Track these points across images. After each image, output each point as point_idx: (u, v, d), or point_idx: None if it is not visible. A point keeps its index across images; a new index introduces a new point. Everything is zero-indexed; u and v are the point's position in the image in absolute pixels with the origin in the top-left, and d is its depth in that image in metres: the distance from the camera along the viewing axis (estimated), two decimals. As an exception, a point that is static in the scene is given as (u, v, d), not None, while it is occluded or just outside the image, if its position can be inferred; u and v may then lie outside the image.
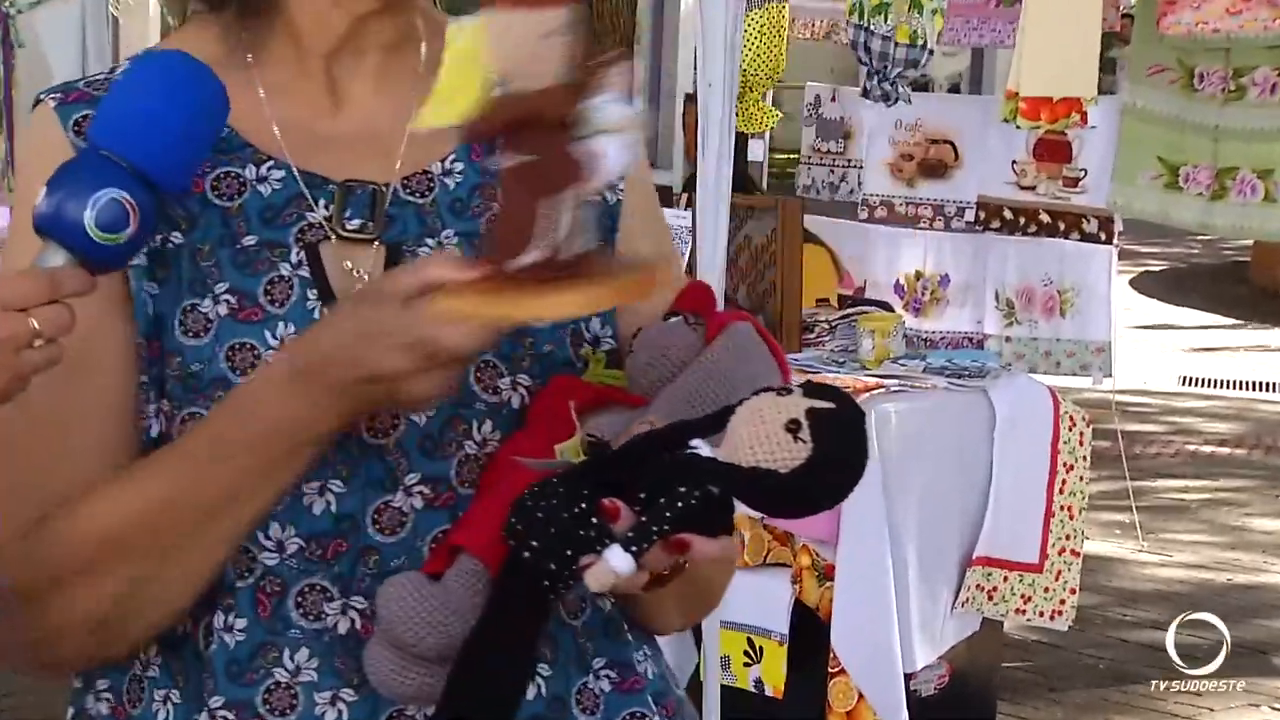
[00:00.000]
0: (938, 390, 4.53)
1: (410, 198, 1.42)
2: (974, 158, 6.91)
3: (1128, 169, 5.80)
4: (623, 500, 1.21)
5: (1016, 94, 5.19)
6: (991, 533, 4.48)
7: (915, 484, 4.32)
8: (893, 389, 4.44)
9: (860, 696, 4.23)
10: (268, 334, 1.36)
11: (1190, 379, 11.12)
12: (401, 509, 1.36)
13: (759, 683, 4.35)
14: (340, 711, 1.35)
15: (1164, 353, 11.77)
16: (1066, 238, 6.59)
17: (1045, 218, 6.62)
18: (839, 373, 4.55)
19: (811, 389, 1.26)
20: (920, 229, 7.10)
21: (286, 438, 1.31)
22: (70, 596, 1.35)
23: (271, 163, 1.41)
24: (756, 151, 7.87)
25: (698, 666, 4.10)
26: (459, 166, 1.44)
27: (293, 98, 1.44)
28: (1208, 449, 9.27)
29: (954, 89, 12.99)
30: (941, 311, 7.06)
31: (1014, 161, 6.65)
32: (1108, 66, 6.08)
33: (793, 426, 1.21)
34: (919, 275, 7.09)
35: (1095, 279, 6.57)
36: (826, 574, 4.27)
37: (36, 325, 1.23)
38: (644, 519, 1.20)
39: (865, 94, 5.69)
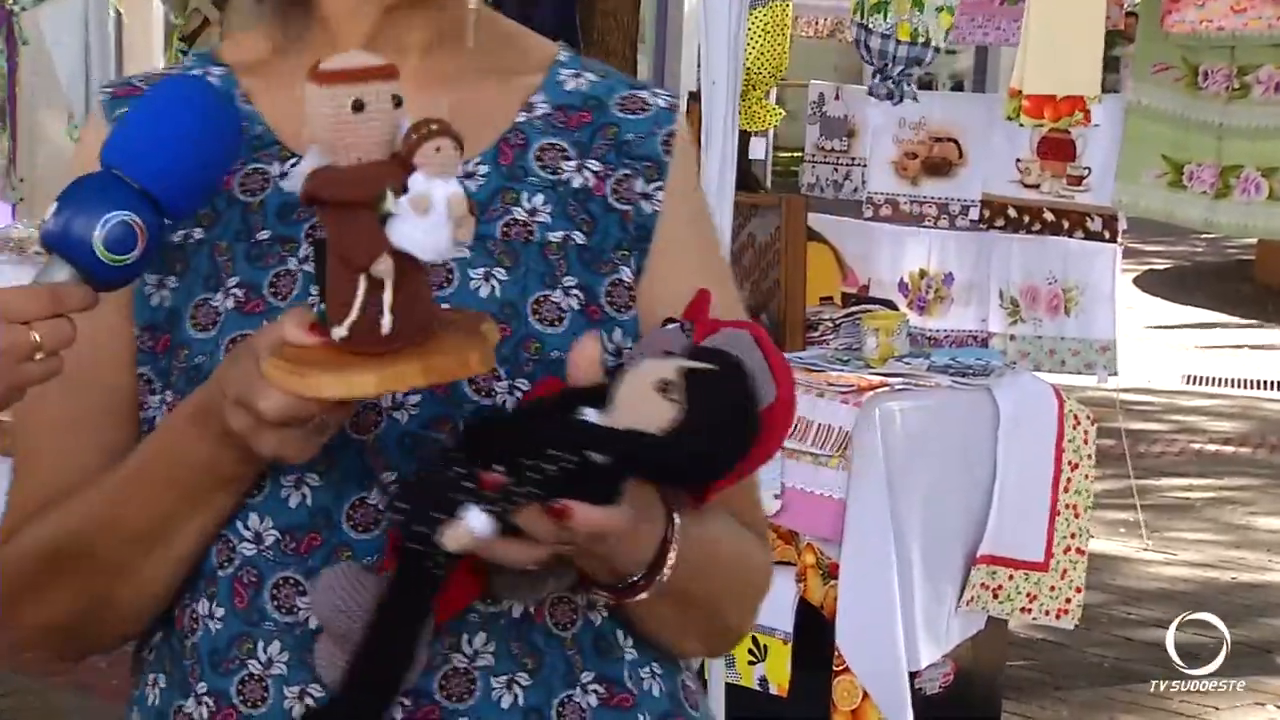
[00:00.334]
0: (942, 389, 4.52)
1: None
2: (978, 156, 6.90)
3: (1132, 167, 5.80)
4: (507, 468, 1.20)
5: (1020, 92, 5.18)
6: (996, 531, 4.48)
7: (919, 482, 4.32)
8: (897, 387, 4.43)
9: (865, 695, 4.23)
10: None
11: (1195, 377, 11.11)
12: (377, 506, 1.35)
13: (764, 681, 4.34)
14: (307, 706, 1.34)
15: (1168, 351, 11.76)
16: (1071, 236, 6.58)
17: (1049, 216, 6.61)
18: (843, 371, 4.54)
19: (699, 352, 1.24)
20: (924, 227, 7.10)
21: (202, 472, 1.32)
22: (31, 604, 1.40)
23: (296, 159, 1.41)
24: (759, 150, 7.87)
25: (703, 664, 4.10)
26: (483, 169, 1.42)
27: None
28: (1212, 448, 9.26)
29: (957, 87, 12.99)
30: (946, 310, 7.05)
31: (1018, 160, 6.65)
32: (1111, 65, 6.08)
33: (663, 386, 1.20)
34: (923, 273, 7.09)
35: (1099, 277, 6.56)
36: (831, 572, 4.26)
37: (38, 338, 1.25)
38: (508, 482, 1.18)
39: (871, 92, 5.67)
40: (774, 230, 4.87)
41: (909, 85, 5.49)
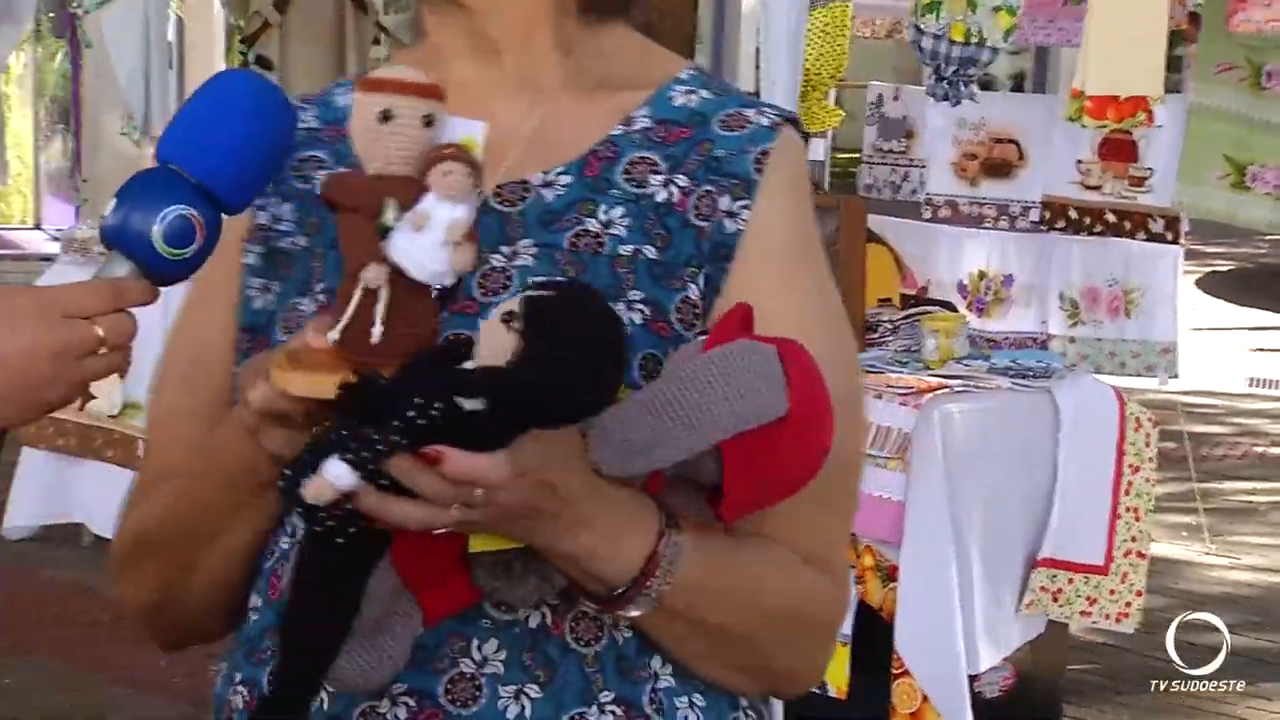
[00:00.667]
0: (1002, 391, 4.50)
1: (499, 206, 1.40)
2: (1039, 157, 6.87)
3: (1194, 168, 5.76)
4: (374, 422, 1.18)
5: (1082, 93, 5.15)
6: (1056, 534, 4.45)
7: (979, 484, 4.30)
8: (957, 389, 4.42)
9: (924, 698, 4.21)
10: None
11: (1258, 380, 11.03)
12: None
13: (823, 683, 4.33)
14: (322, 700, 1.35)
15: (1230, 353, 11.66)
16: (1132, 238, 6.55)
17: (1111, 217, 6.58)
18: (902, 372, 4.52)
19: (549, 284, 1.23)
20: (984, 228, 7.07)
21: (246, 472, 1.34)
22: (123, 581, 1.48)
23: None
24: (818, 151, 7.86)
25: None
26: (565, 179, 1.41)
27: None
28: (1275, 450, 9.18)
29: (1017, 87, 12.93)
30: (1005, 311, 7.02)
31: (1079, 161, 6.61)
32: (1174, 65, 6.04)
33: (507, 318, 1.18)
34: (982, 275, 7.06)
35: (1161, 279, 6.52)
36: (890, 574, 4.25)
37: (100, 333, 1.27)
38: (371, 432, 1.17)
39: (929, 93, 5.65)
40: (833, 232, 4.85)
41: (965, 86, 5.47)
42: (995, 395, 4.48)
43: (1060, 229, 6.76)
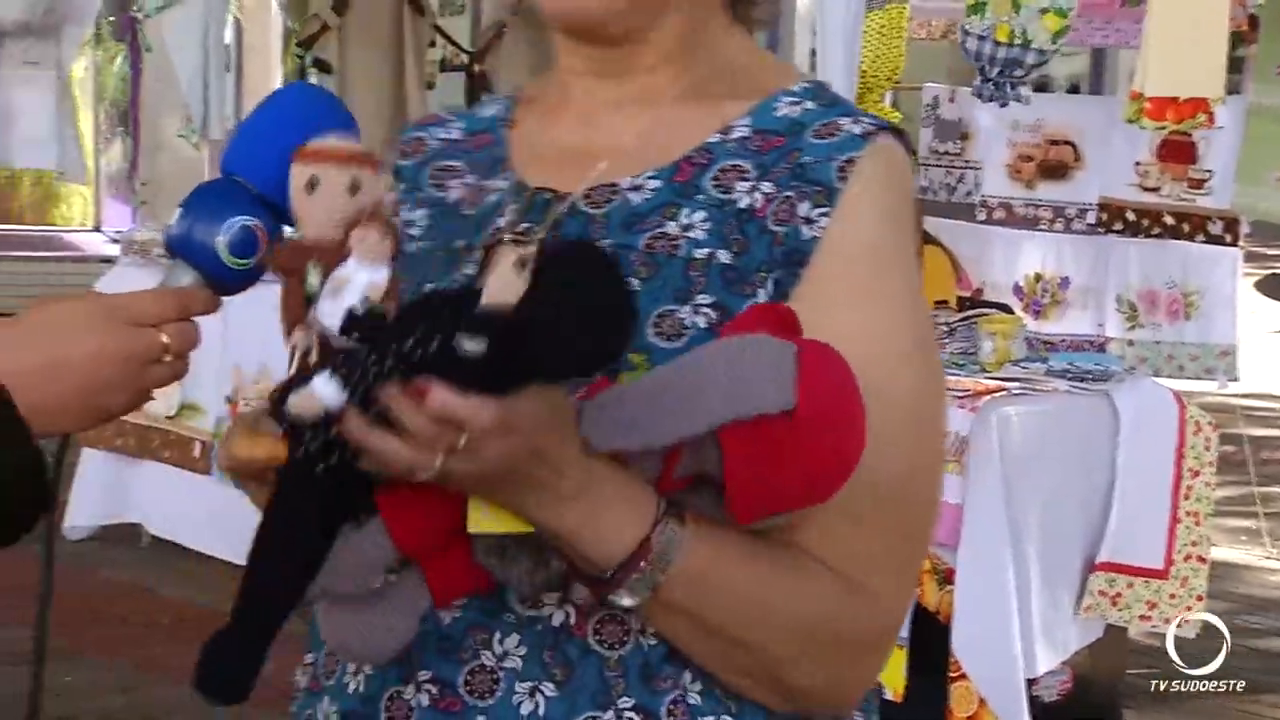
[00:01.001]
0: (1060, 394, 4.48)
1: (587, 208, 1.41)
2: (1096, 159, 6.84)
3: (1254, 170, 5.72)
4: (372, 346, 1.20)
5: (1141, 94, 5.12)
6: (1115, 537, 4.43)
7: (1037, 487, 4.28)
8: (1014, 392, 4.40)
9: (981, 701, 4.20)
10: None
11: (1317, 383, 10.94)
12: None
13: (879, 686, 4.32)
14: (356, 683, 1.38)
15: (1289, 357, 11.58)
16: (1191, 240, 6.51)
17: (1169, 220, 6.54)
18: (959, 375, 4.51)
19: (563, 241, 1.24)
20: (1039, 230, 7.04)
21: None
22: None
23: (509, 173, 1.47)
24: (875, 153, 7.82)
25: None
26: (654, 183, 1.42)
27: (545, 113, 1.51)
28: (1336, 455, 9.11)
29: (1073, 89, 12.86)
30: (1062, 314, 6.99)
31: (1137, 162, 6.58)
32: (1234, 66, 6.00)
33: (520, 264, 1.17)
34: (1039, 277, 7.03)
35: (1220, 281, 6.48)
36: (947, 577, 4.23)
37: (166, 341, 1.29)
38: (368, 353, 1.17)
39: (978, 94, 5.62)
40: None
41: (1012, 88, 5.43)
42: (1053, 398, 4.46)
43: (1117, 231, 6.73)
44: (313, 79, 6.83)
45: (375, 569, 1.26)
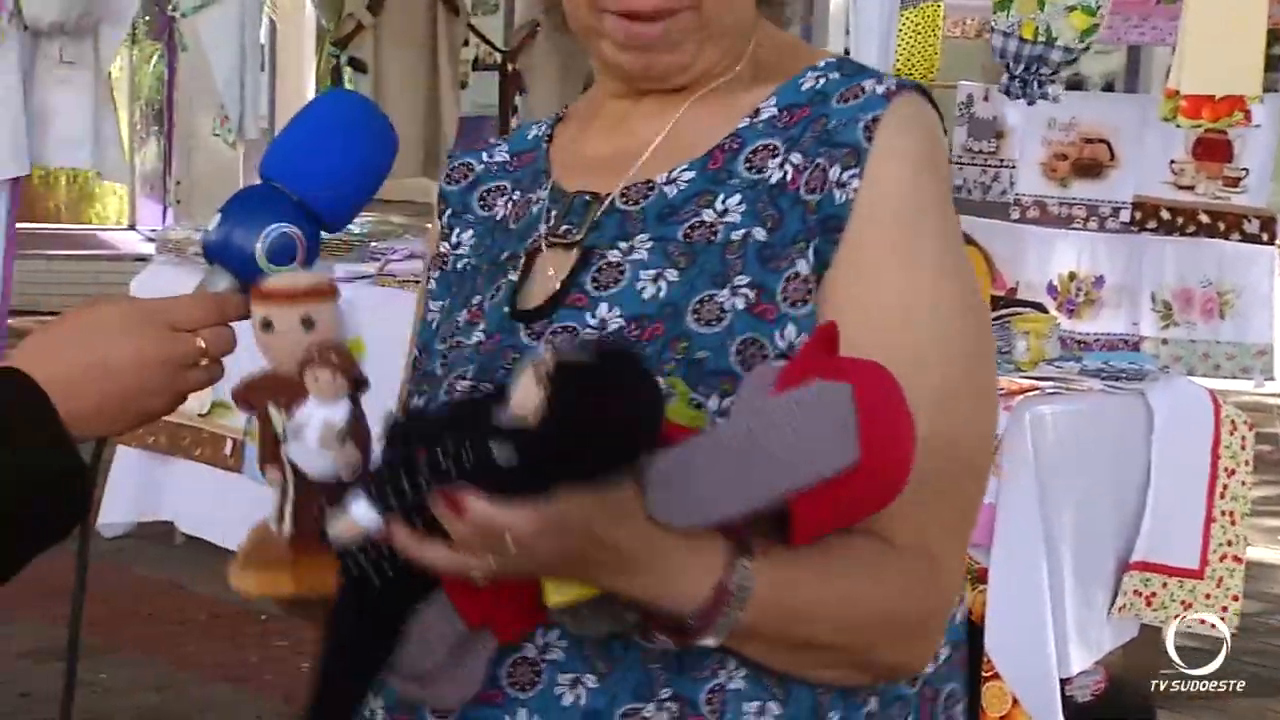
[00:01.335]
0: (1094, 393, 4.46)
1: (623, 205, 1.43)
2: (1130, 157, 6.81)
3: (1290, 168, 5.69)
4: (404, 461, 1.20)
5: (1178, 92, 5.09)
6: (1149, 537, 4.41)
7: (1071, 487, 4.26)
8: (1048, 391, 4.38)
9: (1015, 701, 4.18)
10: (478, 337, 1.44)
11: (1353, 383, 10.87)
12: None
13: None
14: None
15: (1325, 356, 11.51)
16: (1226, 238, 6.48)
17: (1204, 218, 6.51)
18: (993, 374, 4.49)
19: (593, 343, 1.26)
20: (1073, 229, 7.02)
21: None
22: None
23: (550, 183, 1.50)
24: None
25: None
26: (688, 175, 1.43)
27: (582, 124, 1.54)
28: (1372, 454, 9.05)
29: (1108, 87, 12.82)
30: (1096, 313, 6.97)
31: (1172, 161, 6.55)
32: (1271, 64, 5.97)
33: (539, 376, 1.17)
34: (1073, 276, 7.01)
35: (1256, 280, 6.45)
36: (980, 577, 4.22)
37: (203, 345, 1.31)
38: (400, 472, 1.17)
39: (1005, 91, 5.59)
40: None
41: (1038, 85, 5.40)
42: (1087, 397, 4.44)
43: (1152, 230, 6.70)
44: (347, 78, 6.86)
45: (446, 643, 1.26)
